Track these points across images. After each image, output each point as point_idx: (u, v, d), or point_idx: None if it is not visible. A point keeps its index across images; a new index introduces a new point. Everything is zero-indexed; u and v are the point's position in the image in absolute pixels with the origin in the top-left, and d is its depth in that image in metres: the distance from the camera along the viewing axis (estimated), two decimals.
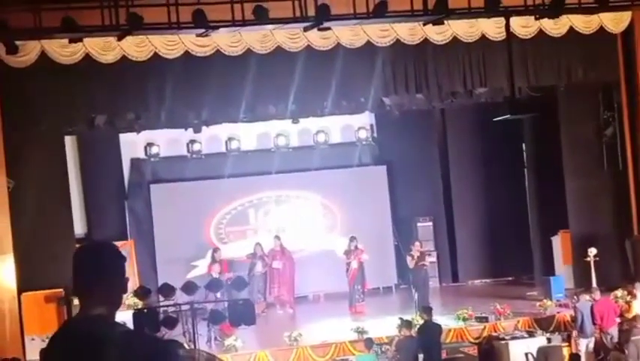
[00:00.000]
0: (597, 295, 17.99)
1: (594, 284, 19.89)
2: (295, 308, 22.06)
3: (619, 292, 18.91)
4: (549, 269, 22.26)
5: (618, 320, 17.83)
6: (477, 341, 18.12)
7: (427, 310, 17.51)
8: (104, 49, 17.03)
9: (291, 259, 22.19)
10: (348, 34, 18.30)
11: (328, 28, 17.36)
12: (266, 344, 18.41)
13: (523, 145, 23.89)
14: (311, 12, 16.29)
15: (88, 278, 4.13)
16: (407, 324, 17.04)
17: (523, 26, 19.05)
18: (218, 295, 18.95)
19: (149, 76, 17.68)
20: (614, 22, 19.74)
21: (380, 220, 24.04)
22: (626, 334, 17.43)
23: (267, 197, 23.97)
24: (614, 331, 17.56)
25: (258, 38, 17.85)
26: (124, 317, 18.53)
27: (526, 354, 17.17)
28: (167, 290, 17.73)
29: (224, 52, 17.75)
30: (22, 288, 16.45)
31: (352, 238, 21.63)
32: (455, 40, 18.89)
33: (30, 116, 17.19)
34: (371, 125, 24.79)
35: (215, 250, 21.39)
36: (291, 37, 17.99)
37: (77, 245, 4.12)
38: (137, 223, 22.98)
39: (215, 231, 23.58)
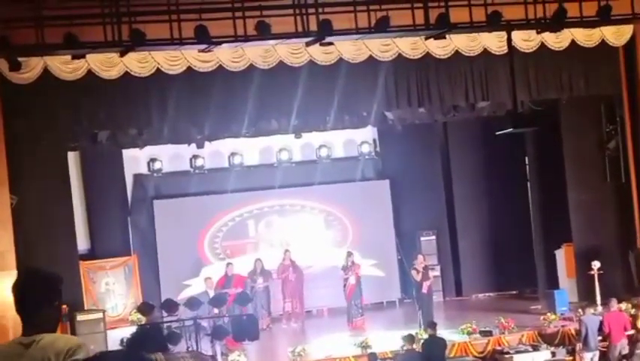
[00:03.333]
0: (613, 304, 17.92)
1: (598, 297, 19.88)
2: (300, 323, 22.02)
3: (623, 305, 18.87)
4: (553, 283, 22.22)
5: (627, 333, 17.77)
6: (481, 356, 18.08)
7: (431, 324, 17.49)
8: (107, 65, 17.06)
9: (301, 272, 22.15)
10: (350, 49, 18.34)
11: (330, 43, 17.38)
12: (270, 359, 18.39)
13: (526, 158, 23.88)
14: (313, 27, 16.32)
15: (25, 305, 4.51)
16: (409, 338, 17.02)
17: (525, 40, 19.07)
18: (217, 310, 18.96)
19: (151, 91, 17.70)
20: (616, 35, 19.76)
21: (383, 234, 24.03)
22: (631, 346, 17.41)
23: (269, 207, 23.86)
24: (622, 344, 17.51)
25: (261, 53, 17.88)
26: (127, 332, 18.59)
27: None
28: (171, 306, 17.73)
29: (227, 67, 17.78)
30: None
31: (349, 253, 21.71)
32: (457, 55, 18.92)
33: (33, 132, 17.21)
34: (374, 140, 24.80)
35: (228, 264, 21.37)
36: (293, 52, 18.02)
37: (24, 270, 4.64)
38: (141, 239, 22.96)
39: (209, 246, 23.41)
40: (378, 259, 23.66)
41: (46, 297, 4.47)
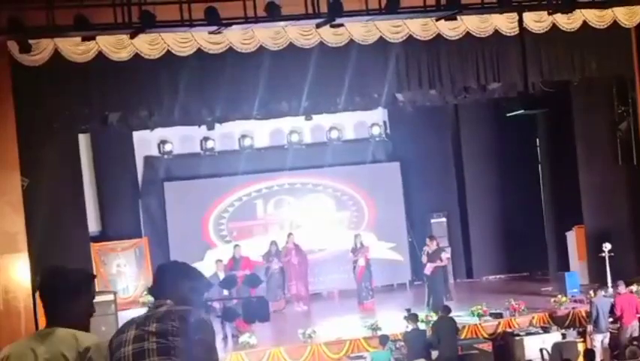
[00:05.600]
0: (622, 288, 17.91)
1: (609, 279, 19.85)
2: (309, 305, 22.05)
3: (634, 287, 18.84)
4: (564, 265, 22.21)
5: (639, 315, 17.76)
6: (492, 337, 18.09)
7: (444, 308, 17.54)
8: (117, 47, 17.04)
9: (304, 256, 22.18)
10: (360, 31, 18.27)
11: (341, 25, 17.32)
12: (280, 340, 18.42)
13: (537, 140, 23.82)
14: (323, 8, 16.26)
15: (44, 302, 4.54)
16: (413, 317, 17.14)
17: (536, 21, 18.98)
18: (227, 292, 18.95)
19: (162, 73, 17.68)
20: (628, 16, 19.64)
21: (394, 217, 24.03)
22: None
23: (279, 185, 23.73)
24: (633, 326, 17.50)
25: (271, 35, 17.84)
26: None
27: (541, 350, 17.16)
28: None
29: (237, 49, 17.74)
30: (36, 286, 16.47)
31: (357, 236, 21.76)
32: (468, 36, 18.84)
33: (43, 114, 17.21)
34: (384, 122, 24.78)
35: (236, 246, 21.37)
36: (303, 34, 17.97)
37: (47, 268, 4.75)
38: (151, 221, 23.01)
39: (215, 228, 23.38)
40: (395, 242, 23.71)
41: (64, 293, 4.47)
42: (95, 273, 4.84)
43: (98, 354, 4.38)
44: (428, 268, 20.29)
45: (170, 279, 4.76)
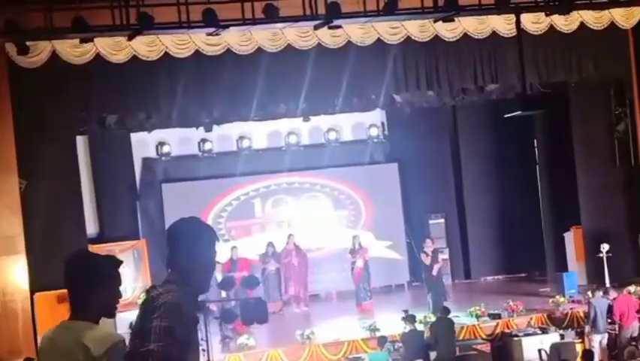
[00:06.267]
0: (612, 293, 17.93)
1: (607, 280, 19.87)
2: (308, 306, 22.06)
3: (632, 288, 18.85)
4: (562, 265, 22.20)
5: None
6: (490, 338, 18.09)
7: (444, 309, 17.55)
8: (115, 49, 17.06)
9: (305, 257, 22.16)
10: (358, 32, 18.30)
11: (339, 26, 17.34)
12: (278, 342, 18.42)
13: (535, 141, 23.84)
14: (321, 10, 16.28)
15: (76, 287, 4.41)
16: (410, 318, 17.14)
17: (534, 22, 19.01)
18: (225, 293, 18.96)
19: (160, 75, 17.70)
20: (625, 17, 19.67)
21: (392, 218, 24.03)
22: None
23: (276, 184, 23.72)
24: (633, 327, 17.51)
25: (269, 37, 17.86)
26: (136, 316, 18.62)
27: (539, 351, 17.17)
28: None
29: (235, 50, 17.76)
30: (34, 288, 16.48)
31: (355, 237, 21.72)
32: (466, 37, 18.87)
33: (41, 116, 17.21)
34: (382, 123, 24.77)
35: (233, 248, 21.36)
36: (301, 36, 17.99)
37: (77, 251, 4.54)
38: (149, 223, 22.98)
39: (213, 226, 23.25)
40: (392, 241, 23.73)
41: (92, 280, 4.38)
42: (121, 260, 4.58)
43: (113, 357, 4.30)
44: (434, 270, 20.21)
45: (169, 246, 4.54)
